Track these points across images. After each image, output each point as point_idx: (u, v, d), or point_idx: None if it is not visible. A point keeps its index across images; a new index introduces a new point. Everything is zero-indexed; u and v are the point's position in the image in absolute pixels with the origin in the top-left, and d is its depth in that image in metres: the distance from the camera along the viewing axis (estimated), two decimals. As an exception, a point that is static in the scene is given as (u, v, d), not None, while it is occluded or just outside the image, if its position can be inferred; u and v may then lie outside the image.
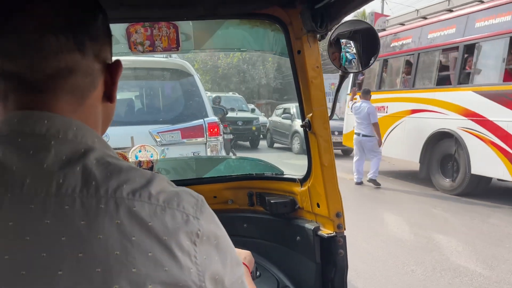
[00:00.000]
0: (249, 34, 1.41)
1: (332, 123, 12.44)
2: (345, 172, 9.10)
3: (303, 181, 1.48)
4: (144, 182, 0.58)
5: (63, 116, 0.60)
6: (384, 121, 8.40)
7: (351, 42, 1.30)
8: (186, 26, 1.36)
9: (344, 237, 1.33)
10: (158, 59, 4.11)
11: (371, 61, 1.32)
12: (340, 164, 9.62)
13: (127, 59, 3.75)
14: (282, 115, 14.28)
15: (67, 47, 0.59)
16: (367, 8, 19.09)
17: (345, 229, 1.35)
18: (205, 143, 3.96)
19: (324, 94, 1.31)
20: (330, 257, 1.34)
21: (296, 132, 13.13)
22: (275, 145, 15.49)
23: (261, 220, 1.65)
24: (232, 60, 24.36)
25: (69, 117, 0.61)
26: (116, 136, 3.12)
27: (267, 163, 1.82)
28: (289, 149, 13.88)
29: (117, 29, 1.32)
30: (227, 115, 12.77)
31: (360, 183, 7.99)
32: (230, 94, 17.53)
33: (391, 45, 9.15)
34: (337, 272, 1.33)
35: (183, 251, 0.57)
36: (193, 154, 3.93)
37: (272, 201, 1.54)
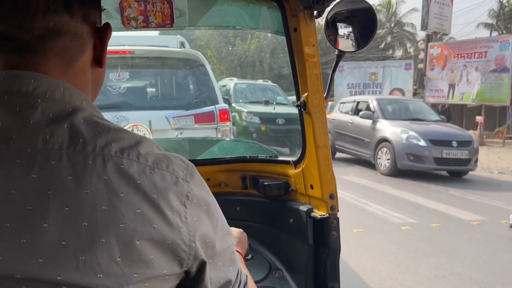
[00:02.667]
0: (245, 11, 1.39)
1: (447, 128, 8.62)
2: (464, 208, 5.93)
3: (297, 163, 1.46)
4: (133, 143, 0.58)
5: (51, 77, 0.59)
6: None
7: (348, 21, 1.29)
8: (181, 2, 1.33)
9: (337, 219, 1.32)
10: (172, 49, 4.49)
11: (368, 41, 1.31)
12: (454, 196, 6.56)
13: (143, 49, 4.33)
14: (360, 113, 9.40)
15: (55, 7, 0.58)
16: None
17: (338, 211, 1.34)
18: (216, 128, 4.20)
19: (320, 73, 1.29)
20: (323, 239, 1.33)
21: (384, 140, 8.46)
22: (338, 155, 10.50)
23: (254, 203, 1.64)
24: (249, 47, 22.58)
25: (58, 78, 0.60)
26: (135, 119, 3.71)
27: (261, 145, 1.80)
28: (366, 164, 9.26)
29: (110, 3, 1.29)
30: (262, 111, 9.54)
31: None
32: (260, 82, 13.12)
33: None
34: (330, 254, 1.32)
35: (173, 210, 0.57)
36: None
37: (265, 184, 1.52)
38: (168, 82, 4.74)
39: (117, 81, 4.24)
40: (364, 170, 8.87)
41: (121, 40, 4.40)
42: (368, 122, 9.15)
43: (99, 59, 0.67)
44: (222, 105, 4.38)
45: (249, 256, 1.44)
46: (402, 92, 16.55)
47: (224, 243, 0.66)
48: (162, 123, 3.99)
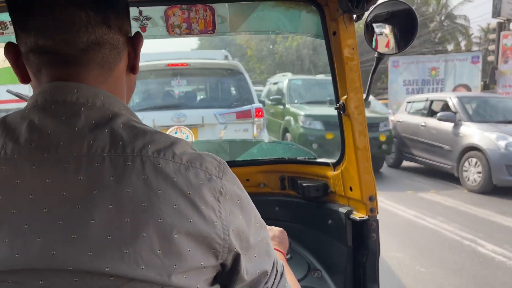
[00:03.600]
0: (284, 16, 1.41)
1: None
2: None
3: (336, 164, 1.47)
4: (168, 144, 0.63)
5: (91, 86, 0.65)
6: None
7: (388, 23, 1.28)
8: (222, 9, 1.38)
9: (376, 221, 1.32)
10: (218, 61, 5.96)
11: (408, 44, 1.30)
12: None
13: (197, 61, 5.71)
14: (439, 115, 7.54)
15: (95, 22, 0.63)
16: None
17: (377, 213, 1.33)
18: (252, 122, 5.28)
19: (359, 76, 1.30)
20: (362, 241, 1.33)
21: (472, 148, 6.73)
22: (405, 163, 8.89)
23: (293, 203, 1.66)
24: (292, 45, 21.99)
25: (98, 87, 0.65)
26: (191, 116, 5.01)
27: (299, 147, 1.82)
28: (447, 177, 7.42)
29: (156, 12, 1.35)
30: (326, 114, 7.56)
31: None
32: (321, 76, 10.61)
33: None
34: (369, 256, 1.32)
35: (207, 205, 0.61)
36: (244, 131, 5.28)
37: (304, 185, 1.54)
38: (215, 87, 6.03)
39: (177, 86, 5.65)
40: (445, 186, 7.02)
41: (180, 55, 6.09)
42: (449, 126, 7.28)
43: (133, 65, 0.72)
44: (257, 104, 5.51)
45: (288, 256, 1.46)
46: (468, 88, 14.53)
47: (258, 236, 0.70)
48: (211, 119, 5.12)
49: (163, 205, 0.57)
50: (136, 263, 0.55)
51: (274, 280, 0.73)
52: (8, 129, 0.61)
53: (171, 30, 1.38)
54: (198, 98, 5.95)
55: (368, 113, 6.32)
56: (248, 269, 0.68)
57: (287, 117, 8.55)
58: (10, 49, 0.67)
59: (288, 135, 8.47)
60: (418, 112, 8.56)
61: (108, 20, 0.65)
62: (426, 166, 8.02)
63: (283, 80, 9.80)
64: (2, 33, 1.35)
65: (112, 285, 0.56)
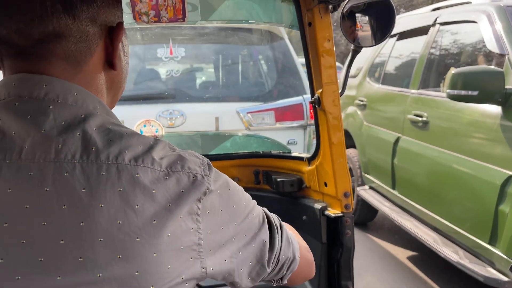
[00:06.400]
0: (258, 5, 1.36)
1: None
2: None
3: (311, 159, 1.45)
4: (146, 148, 0.56)
5: (63, 80, 0.57)
6: None
7: (365, 14, 1.24)
8: None
9: (351, 218, 1.30)
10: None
11: (385, 36, 1.27)
12: None
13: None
14: None
15: (53, 11, 0.56)
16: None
17: (352, 209, 1.32)
18: (305, 128, 2.95)
19: (335, 69, 1.26)
20: (337, 237, 1.32)
21: None
22: None
23: (267, 198, 1.63)
24: None
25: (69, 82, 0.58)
26: (194, 115, 2.67)
27: (274, 141, 1.79)
28: None
29: (121, -2, 1.23)
30: None
31: None
32: None
33: None
34: (344, 252, 1.31)
35: (186, 214, 0.55)
36: (289, 142, 2.87)
37: (278, 180, 1.51)
38: (237, 63, 3.39)
39: (168, 60, 3.00)
40: None
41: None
42: None
43: (110, 61, 0.63)
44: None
45: None
46: None
47: (245, 223, 0.65)
48: (231, 120, 2.83)
49: (141, 222, 0.51)
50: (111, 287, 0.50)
51: (277, 239, 0.71)
52: None
53: (138, 18, 1.30)
54: (208, 82, 3.47)
55: None
56: (244, 272, 0.66)
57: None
58: None
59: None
60: None
61: (72, 10, 0.56)
62: None
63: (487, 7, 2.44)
64: None
65: None
